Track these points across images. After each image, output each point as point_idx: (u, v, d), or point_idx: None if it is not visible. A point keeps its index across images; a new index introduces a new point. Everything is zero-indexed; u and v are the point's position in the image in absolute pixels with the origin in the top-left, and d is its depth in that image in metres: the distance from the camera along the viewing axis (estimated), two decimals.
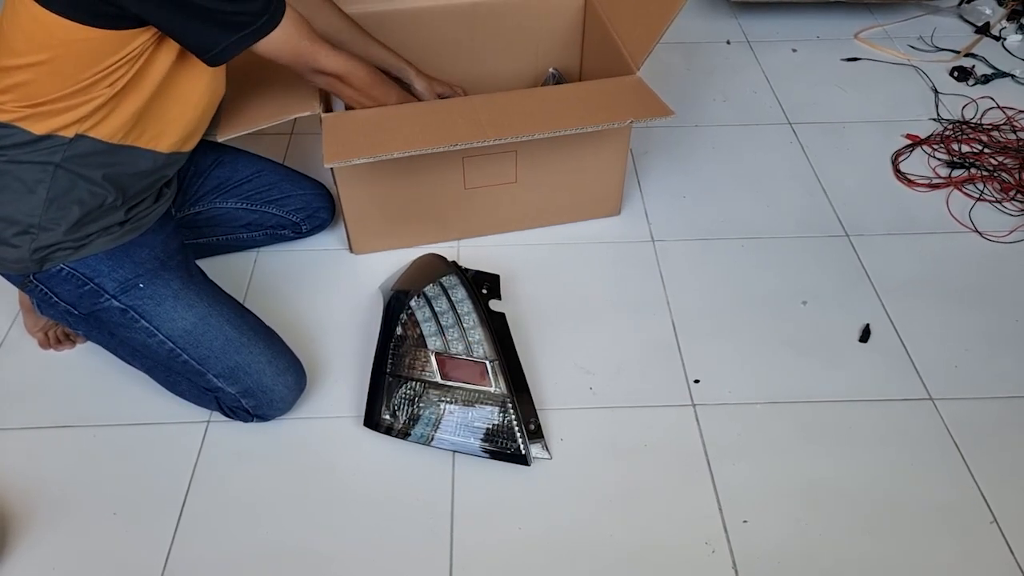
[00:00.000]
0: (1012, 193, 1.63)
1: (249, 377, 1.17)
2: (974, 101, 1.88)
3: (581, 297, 1.44)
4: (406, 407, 1.19)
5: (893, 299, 1.43)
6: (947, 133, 1.79)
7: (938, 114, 1.87)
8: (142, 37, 1.01)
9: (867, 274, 1.48)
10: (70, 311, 1.16)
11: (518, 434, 1.18)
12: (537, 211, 1.55)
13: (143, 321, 1.14)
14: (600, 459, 1.20)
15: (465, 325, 1.25)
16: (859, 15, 2.22)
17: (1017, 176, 1.66)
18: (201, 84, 1.12)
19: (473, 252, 1.52)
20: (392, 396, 1.20)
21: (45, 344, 1.35)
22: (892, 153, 1.76)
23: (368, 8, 1.55)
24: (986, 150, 1.74)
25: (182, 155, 1.20)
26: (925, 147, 1.77)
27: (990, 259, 1.51)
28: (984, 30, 2.15)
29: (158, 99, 1.08)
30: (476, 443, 1.18)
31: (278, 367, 1.20)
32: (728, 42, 2.14)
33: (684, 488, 1.16)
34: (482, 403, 1.19)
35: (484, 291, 1.38)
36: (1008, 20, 2.20)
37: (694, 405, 1.27)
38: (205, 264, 1.31)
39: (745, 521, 1.12)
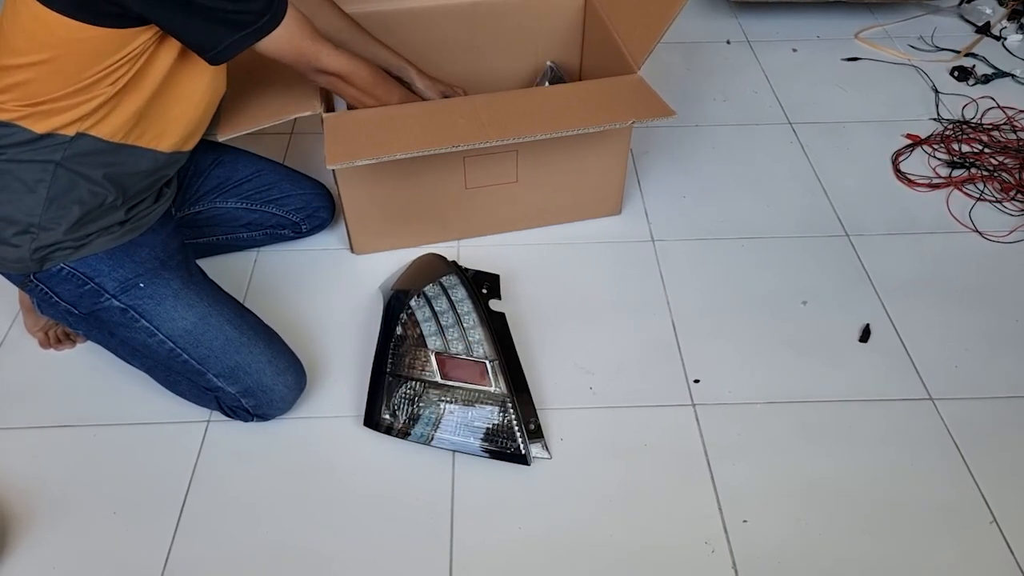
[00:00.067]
0: (1012, 193, 1.63)
1: (249, 377, 1.17)
2: (974, 101, 1.88)
3: (581, 297, 1.44)
4: (406, 407, 1.19)
5: (893, 299, 1.43)
6: (947, 133, 1.79)
7: (938, 114, 1.86)
8: (144, 36, 1.00)
9: (867, 274, 1.48)
10: (70, 311, 1.16)
11: (518, 434, 1.18)
12: (538, 211, 1.54)
13: (143, 321, 1.14)
14: (600, 459, 1.20)
15: (465, 325, 1.25)
16: (859, 15, 2.22)
17: (1017, 176, 1.66)
18: (202, 83, 1.12)
19: (473, 252, 1.52)
20: (392, 396, 1.20)
21: (45, 344, 1.35)
22: (892, 153, 1.76)
23: (368, 8, 1.55)
24: (986, 150, 1.74)
25: (183, 154, 1.19)
26: (925, 147, 1.77)
27: (990, 259, 1.51)
28: (984, 30, 2.15)
29: (159, 98, 1.08)
30: (476, 443, 1.18)
31: (278, 367, 1.20)
32: (728, 42, 2.14)
33: (684, 488, 1.16)
34: (482, 403, 1.19)
35: (484, 291, 1.38)
36: (1008, 20, 2.19)
37: (694, 405, 1.27)
38: (205, 264, 1.31)
39: (745, 521, 1.12)
